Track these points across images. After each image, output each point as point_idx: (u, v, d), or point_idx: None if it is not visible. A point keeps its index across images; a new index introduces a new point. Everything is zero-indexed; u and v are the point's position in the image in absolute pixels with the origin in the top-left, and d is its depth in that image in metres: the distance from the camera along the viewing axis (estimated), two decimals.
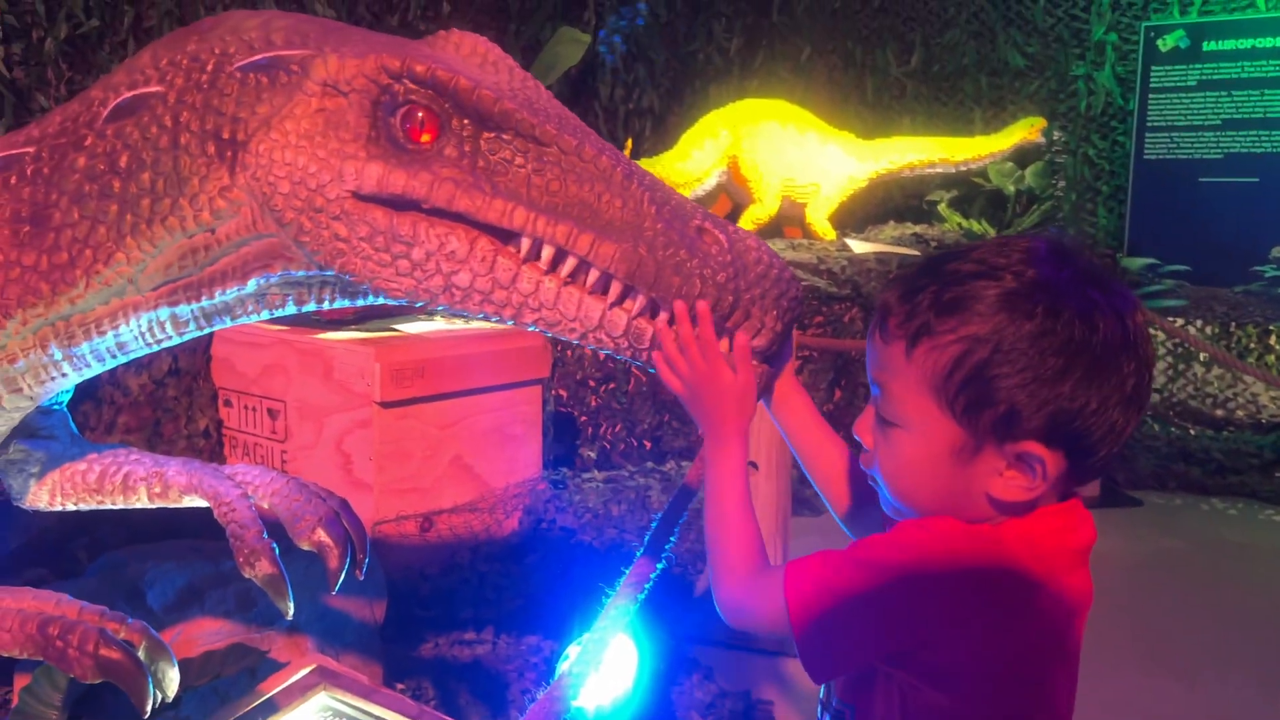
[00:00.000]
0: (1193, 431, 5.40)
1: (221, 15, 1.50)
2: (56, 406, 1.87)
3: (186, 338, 1.58)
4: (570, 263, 1.32)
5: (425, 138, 1.33)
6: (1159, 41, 6.11)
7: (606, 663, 1.73)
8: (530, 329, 1.37)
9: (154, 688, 1.48)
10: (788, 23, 6.58)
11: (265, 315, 1.54)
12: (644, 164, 4.99)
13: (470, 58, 1.44)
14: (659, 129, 5.99)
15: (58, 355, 1.55)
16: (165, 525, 2.49)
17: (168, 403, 3.58)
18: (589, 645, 1.59)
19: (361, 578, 1.71)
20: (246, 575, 1.61)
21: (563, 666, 1.65)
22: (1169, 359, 5.57)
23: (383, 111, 1.33)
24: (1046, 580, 1.11)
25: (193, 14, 4.25)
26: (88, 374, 1.63)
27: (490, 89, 1.33)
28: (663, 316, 1.31)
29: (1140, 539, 4.10)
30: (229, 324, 1.56)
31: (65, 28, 3.91)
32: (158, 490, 1.76)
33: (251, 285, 1.46)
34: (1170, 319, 5.43)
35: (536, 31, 5.38)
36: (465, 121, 1.34)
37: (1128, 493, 4.71)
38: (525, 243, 1.32)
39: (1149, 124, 6.17)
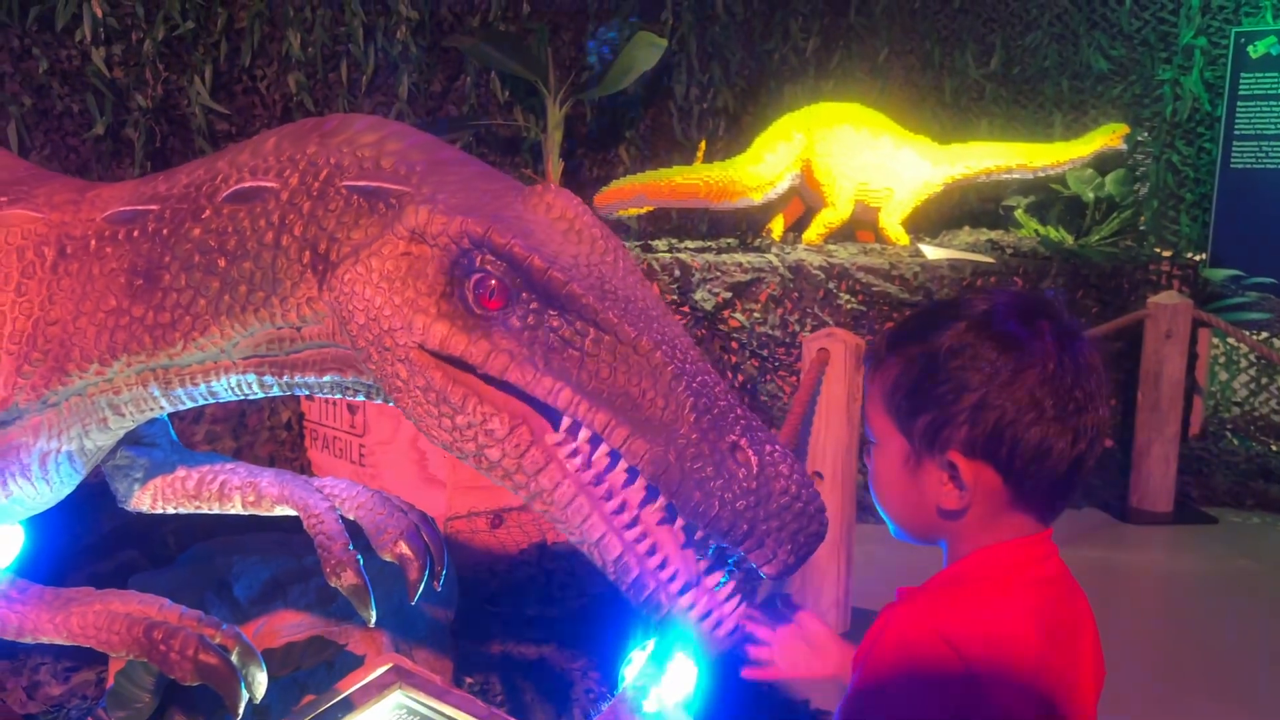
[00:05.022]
0: (1274, 448, 5.27)
1: (346, 119, 1.57)
2: (159, 416, 1.98)
3: (273, 394, 1.68)
4: (603, 449, 1.37)
5: (494, 305, 1.38)
6: (1250, 47, 5.94)
7: (669, 666, 1.78)
8: (536, 512, 1.44)
9: (244, 689, 1.57)
10: (865, 23, 6.52)
11: (340, 396, 1.64)
12: (717, 166, 4.97)
13: (557, 222, 1.45)
14: (733, 129, 5.98)
15: (156, 393, 1.67)
16: (249, 517, 2.61)
17: None
18: (653, 651, 1.65)
19: (439, 588, 1.78)
20: (333, 584, 1.70)
21: (626, 671, 1.70)
22: (1250, 373, 5.43)
23: (460, 272, 1.39)
24: (1009, 664, 1.16)
25: (282, 17, 4.37)
26: (182, 408, 1.75)
27: (562, 270, 1.36)
28: None
29: (1214, 558, 4.02)
30: (310, 394, 1.65)
31: (163, 29, 4.06)
32: (251, 499, 1.86)
33: (328, 379, 1.56)
34: (1253, 333, 5.30)
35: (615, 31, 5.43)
36: (533, 296, 1.38)
37: (1202, 509, 4.63)
38: (566, 421, 1.38)
39: (1237, 131, 6.00)
